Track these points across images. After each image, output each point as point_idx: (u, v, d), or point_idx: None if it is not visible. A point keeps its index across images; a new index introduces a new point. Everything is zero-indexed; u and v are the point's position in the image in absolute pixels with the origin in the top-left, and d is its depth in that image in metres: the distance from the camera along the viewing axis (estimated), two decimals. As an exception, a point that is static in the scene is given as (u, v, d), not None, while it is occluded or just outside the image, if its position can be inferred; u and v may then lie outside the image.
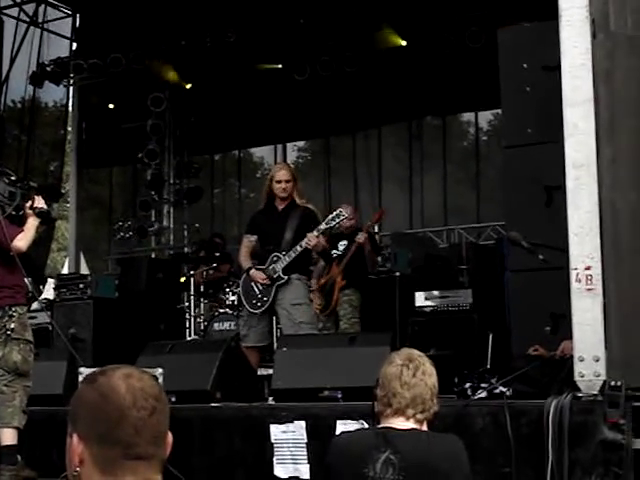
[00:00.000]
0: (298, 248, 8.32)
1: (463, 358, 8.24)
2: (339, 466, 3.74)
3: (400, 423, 3.82)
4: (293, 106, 15.29)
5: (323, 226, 8.35)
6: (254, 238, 8.74)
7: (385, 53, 13.83)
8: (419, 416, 3.83)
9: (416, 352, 4.03)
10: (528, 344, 6.13)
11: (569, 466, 5.09)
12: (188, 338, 12.08)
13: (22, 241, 6.68)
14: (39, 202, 6.87)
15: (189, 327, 12.46)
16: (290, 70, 14.67)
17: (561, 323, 5.92)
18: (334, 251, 9.88)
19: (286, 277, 8.36)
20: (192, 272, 12.51)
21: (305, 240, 8.28)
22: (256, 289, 8.48)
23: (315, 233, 8.29)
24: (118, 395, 2.11)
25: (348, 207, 9.73)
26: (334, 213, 8.45)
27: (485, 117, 15.79)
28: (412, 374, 3.85)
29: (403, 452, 3.66)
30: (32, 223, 6.84)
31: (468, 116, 16.02)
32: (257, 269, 8.51)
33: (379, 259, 11.07)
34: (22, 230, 6.73)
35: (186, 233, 16.75)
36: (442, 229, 14.85)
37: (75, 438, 2.10)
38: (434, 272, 10.67)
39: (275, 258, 8.42)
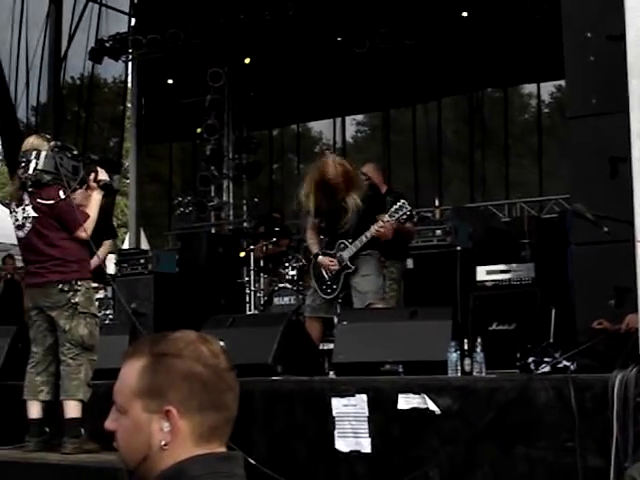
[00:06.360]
0: (364, 239, 8.18)
1: (525, 333, 8.14)
2: None
3: None
4: (352, 79, 15.23)
5: (387, 218, 8.16)
6: (318, 220, 8.61)
7: (445, 24, 13.69)
8: None
9: None
10: (592, 318, 6.05)
11: (634, 440, 5.02)
12: (248, 313, 12.11)
13: (86, 232, 6.72)
14: (102, 175, 6.91)
15: (249, 302, 12.50)
16: (349, 43, 14.58)
17: (626, 296, 5.82)
18: None
19: (353, 267, 8.27)
20: (252, 247, 12.53)
21: (373, 230, 8.11)
22: (326, 275, 8.42)
23: (386, 218, 8.08)
24: (210, 359, 2.09)
25: (370, 165, 9.59)
26: (397, 205, 8.12)
27: (547, 89, 15.65)
28: None
29: None
30: (96, 198, 6.89)
31: (530, 88, 15.87)
32: (325, 254, 8.45)
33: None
34: (88, 215, 6.76)
35: (245, 208, 16.79)
36: (503, 203, 14.72)
37: (173, 411, 2.05)
38: (496, 246, 10.56)
39: (342, 245, 8.32)
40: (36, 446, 6.75)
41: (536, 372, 5.76)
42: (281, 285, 11.43)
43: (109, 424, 2.16)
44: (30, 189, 6.70)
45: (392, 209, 8.15)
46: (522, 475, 5.39)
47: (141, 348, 2.16)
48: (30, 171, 6.67)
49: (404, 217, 8.30)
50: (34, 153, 6.70)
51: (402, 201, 8.23)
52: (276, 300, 11.35)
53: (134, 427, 2.09)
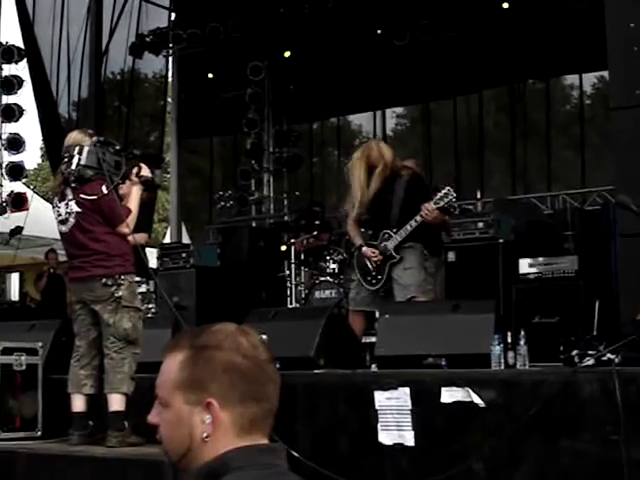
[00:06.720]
0: (408, 227, 8.13)
1: (569, 325, 8.10)
2: None
3: None
4: (392, 72, 15.19)
5: (432, 206, 8.07)
6: (360, 211, 8.56)
7: (486, 16, 13.63)
8: None
9: None
10: (637, 310, 5.99)
11: (680, 433, 4.98)
12: (289, 306, 12.12)
13: (128, 228, 6.75)
14: (145, 171, 6.93)
15: (290, 295, 12.51)
16: (389, 35, 14.55)
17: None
18: None
19: (398, 257, 8.22)
20: (292, 240, 12.54)
21: (421, 214, 8.01)
22: (370, 266, 8.38)
23: (432, 206, 7.98)
24: (249, 351, 2.09)
25: (410, 161, 9.47)
26: (442, 192, 8.00)
27: (589, 80, 15.49)
28: None
29: None
30: (136, 192, 6.91)
31: (572, 79, 15.73)
32: (368, 245, 8.41)
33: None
34: (130, 210, 6.79)
35: (286, 202, 16.80)
36: (546, 195, 14.62)
37: (214, 403, 2.06)
38: (538, 238, 10.50)
39: (386, 236, 8.27)
40: (80, 439, 6.78)
41: (580, 365, 5.71)
42: (322, 279, 11.43)
43: (152, 418, 2.17)
44: (73, 184, 6.73)
45: (437, 196, 8.03)
46: (566, 468, 5.36)
47: (181, 341, 2.17)
48: (73, 166, 6.69)
49: (449, 204, 8.21)
50: (77, 148, 6.72)
51: (447, 188, 8.09)
52: (317, 294, 11.35)
53: (176, 420, 2.10)
